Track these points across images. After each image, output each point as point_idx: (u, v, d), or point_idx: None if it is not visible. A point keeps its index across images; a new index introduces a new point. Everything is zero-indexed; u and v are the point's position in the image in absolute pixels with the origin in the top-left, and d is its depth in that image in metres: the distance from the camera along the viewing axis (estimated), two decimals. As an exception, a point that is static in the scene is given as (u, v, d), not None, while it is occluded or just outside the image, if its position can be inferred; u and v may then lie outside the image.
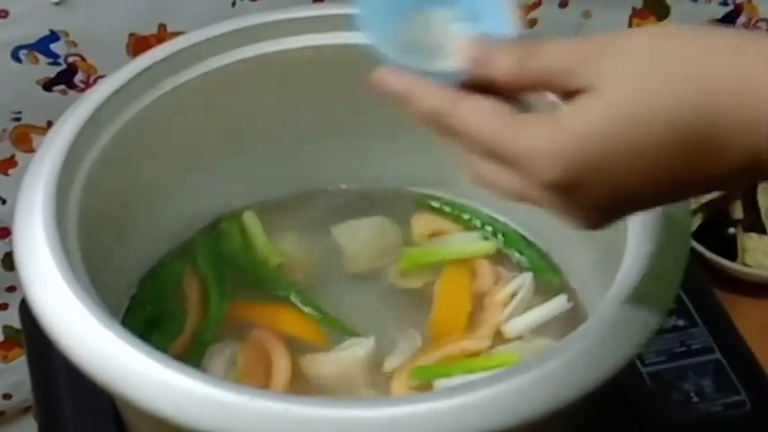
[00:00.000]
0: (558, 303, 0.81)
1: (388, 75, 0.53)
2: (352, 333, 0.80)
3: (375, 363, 0.77)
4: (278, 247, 0.86)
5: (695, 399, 0.82)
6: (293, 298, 0.82)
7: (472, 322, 0.81)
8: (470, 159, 0.52)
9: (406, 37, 0.56)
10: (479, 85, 0.52)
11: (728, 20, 1.09)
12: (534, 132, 0.48)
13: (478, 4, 0.56)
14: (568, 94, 0.49)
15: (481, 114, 0.50)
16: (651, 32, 0.49)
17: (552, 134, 0.48)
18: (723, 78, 0.46)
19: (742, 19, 1.09)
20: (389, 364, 0.78)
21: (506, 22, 0.55)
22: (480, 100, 0.51)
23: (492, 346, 0.79)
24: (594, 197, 0.48)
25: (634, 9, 1.08)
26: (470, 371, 0.75)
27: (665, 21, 1.09)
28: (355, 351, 0.77)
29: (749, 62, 0.46)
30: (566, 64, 0.49)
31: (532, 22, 1.07)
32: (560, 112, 0.48)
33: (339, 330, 0.80)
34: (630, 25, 1.09)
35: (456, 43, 0.53)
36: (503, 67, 0.51)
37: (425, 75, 0.53)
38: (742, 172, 0.47)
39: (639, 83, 0.47)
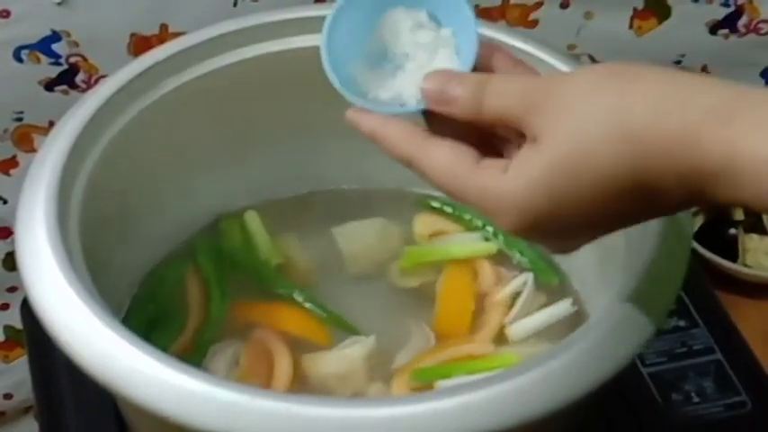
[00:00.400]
0: (563, 307, 0.80)
1: (358, 115, 0.58)
2: (354, 331, 0.80)
3: (376, 361, 0.77)
4: (279, 247, 0.86)
5: (696, 399, 0.82)
6: (296, 296, 0.82)
7: (474, 324, 0.81)
8: None
9: (374, 44, 0.60)
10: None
11: (730, 21, 1.09)
12: (487, 187, 0.52)
13: (440, 6, 0.59)
14: (520, 134, 0.53)
15: (441, 165, 0.54)
16: (595, 78, 0.51)
17: (502, 188, 0.52)
18: (659, 134, 0.48)
19: (743, 20, 1.09)
20: (399, 360, 0.78)
21: (469, 20, 0.58)
22: (441, 149, 0.54)
23: (493, 349, 0.79)
24: (555, 233, 0.53)
25: (635, 10, 1.08)
26: (471, 372, 0.75)
27: (666, 22, 1.08)
28: (356, 349, 0.77)
29: (686, 117, 0.48)
30: (514, 112, 0.52)
31: (534, 23, 1.07)
32: (508, 164, 0.52)
33: (342, 328, 0.80)
34: (632, 26, 1.09)
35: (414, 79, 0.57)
36: (459, 106, 0.54)
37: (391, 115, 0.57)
38: (686, 204, 0.51)
39: (577, 142, 0.50)
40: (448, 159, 0.54)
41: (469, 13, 0.58)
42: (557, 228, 0.52)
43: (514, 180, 0.51)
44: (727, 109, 0.47)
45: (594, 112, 0.49)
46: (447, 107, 0.54)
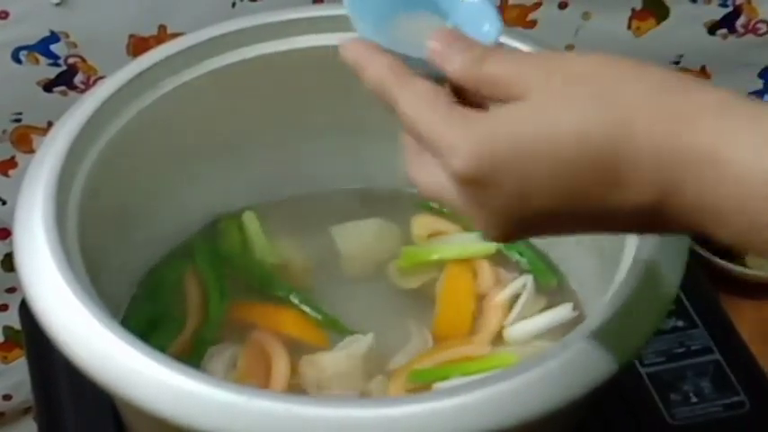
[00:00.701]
0: (564, 311, 0.80)
1: (350, 43, 0.54)
2: (350, 333, 0.79)
3: (374, 361, 0.77)
4: (277, 247, 0.86)
5: (694, 399, 0.82)
6: (293, 298, 0.82)
7: (473, 325, 0.81)
8: (407, 144, 0.54)
9: (394, 35, 0.57)
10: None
11: (728, 21, 1.09)
12: (460, 124, 0.49)
13: (465, 13, 0.57)
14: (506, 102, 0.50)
15: (421, 97, 0.51)
16: (603, 60, 0.50)
17: (474, 128, 0.48)
18: (644, 112, 0.46)
19: (741, 20, 1.09)
20: (397, 361, 0.78)
21: (494, 26, 0.56)
22: (426, 84, 0.51)
23: (490, 351, 0.79)
24: (505, 197, 0.48)
25: (633, 10, 1.08)
26: (468, 373, 0.75)
27: (665, 22, 1.08)
28: (354, 350, 0.77)
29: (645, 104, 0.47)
30: (509, 76, 0.50)
31: (532, 24, 1.07)
32: (488, 111, 0.50)
33: (338, 331, 0.80)
34: (630, 27, 1.09)
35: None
36: (455, 64, 0.52)
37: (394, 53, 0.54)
38: (649, 215, 0.47)
39: (563, 100, 0.48)
40: (433, 92, 0.51)
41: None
42: (509, 185, 0.48)
43: (489, 124, 0.48)
44: (724, 107, 0.46)
45: (589, 83, 0.48)
46: (444, 62, 0.52)
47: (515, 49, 0.52)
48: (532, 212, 0.49)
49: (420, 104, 0.51)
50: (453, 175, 0.49)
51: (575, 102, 0.47)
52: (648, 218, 0.48)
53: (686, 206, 0.46)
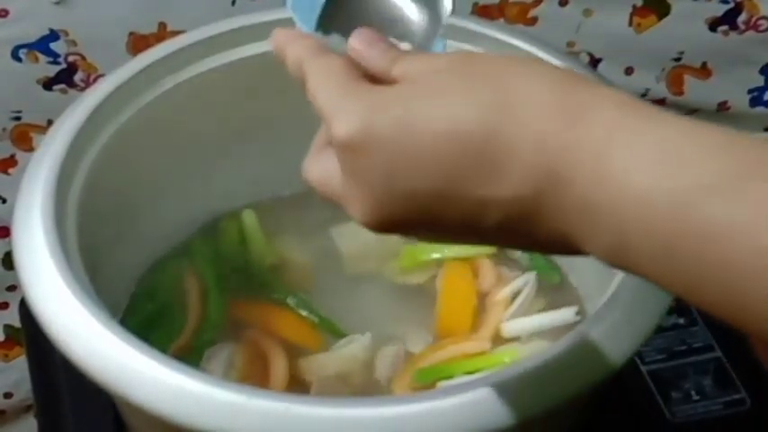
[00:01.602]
0: (567, 314, 0.79)
1: (276, 31, 0.55)
2: (347, 336, 0.79)
3: (373, 361, 0.77)
4: (276, 247, 0.86)
5: (695, 397, 0.82)
6: (290, 301, 0.82)
7: (475, 322, 0.81)
8: (314, 141, 0.54)
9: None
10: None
11: (729, 17, 1.09)
12: (353, 93, 0.48)
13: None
14: None
15: (327, 69, 0.51)
16: (507, 56, 0.48)
17: (362, 97, 0.48)
18: (529, 98, 0.45)
19: (743, 17, 1.09)
20: (397, 360, 0.78)
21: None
22: (336, 58, 0.51)
23: (492, 347, 0.79)
24: (375, 168, 0.47)
25: (634, 7, 1.08)
26: (472, 371, 0.75)
27: (666, 19, 1.08)
28: (352, 349, 0.77)
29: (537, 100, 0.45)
30: (417, 70, 0.49)
31: (533, 21, 1.07)
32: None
33: (335, 334, 0.80)
34: (631, 23, 1.08)
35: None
36: (371, 62, 0.51)
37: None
38: (526, 212, 0.45)
39: (449, 84, 0.47)
40: (336, 63, 0.51)
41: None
42: (383, 157, 0.46)
43: (376, 94, 0.48)
44: (621, 106, 0.43)
45: (485, 67, 0.47)
46: (366, 55, 0.52)
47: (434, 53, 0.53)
48: (400, 192, 0.47)
49: (323, 75, 0.50)
50: (334, 139, 0.48)
51: (460, 85, 0.46)
52: (525, 218, 0.45)
53: (566, 205, 0.44)
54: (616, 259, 0.44)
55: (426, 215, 0.48)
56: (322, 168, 0.52)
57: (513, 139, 0.44)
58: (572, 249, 0.45)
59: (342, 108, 0.48)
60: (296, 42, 0.54)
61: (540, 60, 0.49)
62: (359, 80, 0.50)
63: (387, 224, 0.50)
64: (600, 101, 0.44)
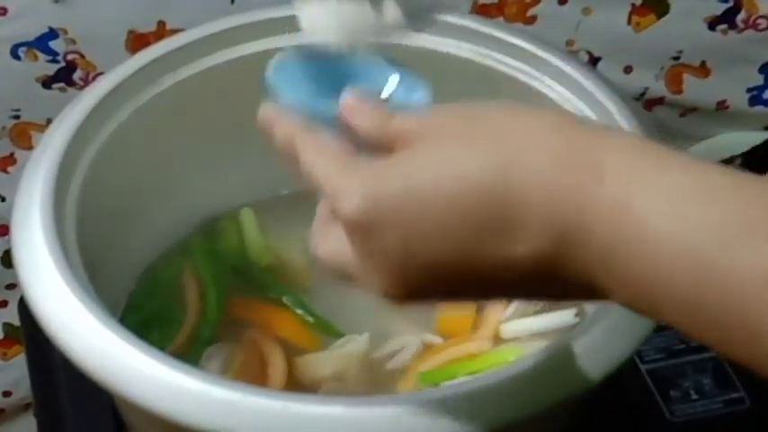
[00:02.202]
0: (566, 316, 0.79)
1: (266, 109, 0.55)
2: (342, 336, 0.79)
3: (371, 360, 0.77)
4: (275, 246, 0.86)
5: (694, 396, 0.82)
6: (286, 300, 0.82)
7: (475, 322, 0.81)
8: (317, 215, 0.53)
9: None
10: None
11: (728, 16, 1.09)
12: (351, 168, 0.48)
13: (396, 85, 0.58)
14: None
15: (319, 147, 0.50)
16: (503, 106, 0.48)
17: (363, 172, 0.47)
18: (536, 153, 0.44)
19: (742, 15, 1.09)
20: (396, 360, 0.78)
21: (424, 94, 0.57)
22: (326, 137, 0.51)
23: (492, 347, 0.79)
24: (390, 241, 0.46)
25: (633, 6, 1.08)
26: (474, 371, 0.75)
27: (665, 18, 1.08)
28: (350, 349, 0.77)
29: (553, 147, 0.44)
30: (410, 129, 0.48)
31: (532, 19, 1.06)
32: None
33: (334, 334, 0.80)
34: (630, 22, 1.08)
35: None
36: (365, 119, 0.51)
37: (311, 110, 0.54)
38: (548, 267, 0.44)
39: (453, 145, 0.46)
40: (328, 142, 0.50)
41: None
42: (395, 231, 0.45)
43: (378, 169, 0.47)
44: (634, 152, 0.43)
45: (484, 122, 0.47)
46: (359, 117, 0.51)
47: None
48: (420, 266, 0.46)
49: (317, 154, 0.50)
50: (342, 220, 0.47)
51: (465, 145, 0.46)
52: (547, 271, 0.44)
53: (588, 256, 0.43)
54: (644, 309, 0.43)
55: (448, 283, 0.47)
56: (332, 248, 0.50)
57: (524, 194, 0.43)
58: (599, 297, 0.44)
59: (343, 186, 0.47)
60: (285, 121, 0.53)
61: (535, 108, 0.47)
62: (353, 154, 0.49)
63: (410, 297, 0.48)
64: (608, 146, 0.44)
